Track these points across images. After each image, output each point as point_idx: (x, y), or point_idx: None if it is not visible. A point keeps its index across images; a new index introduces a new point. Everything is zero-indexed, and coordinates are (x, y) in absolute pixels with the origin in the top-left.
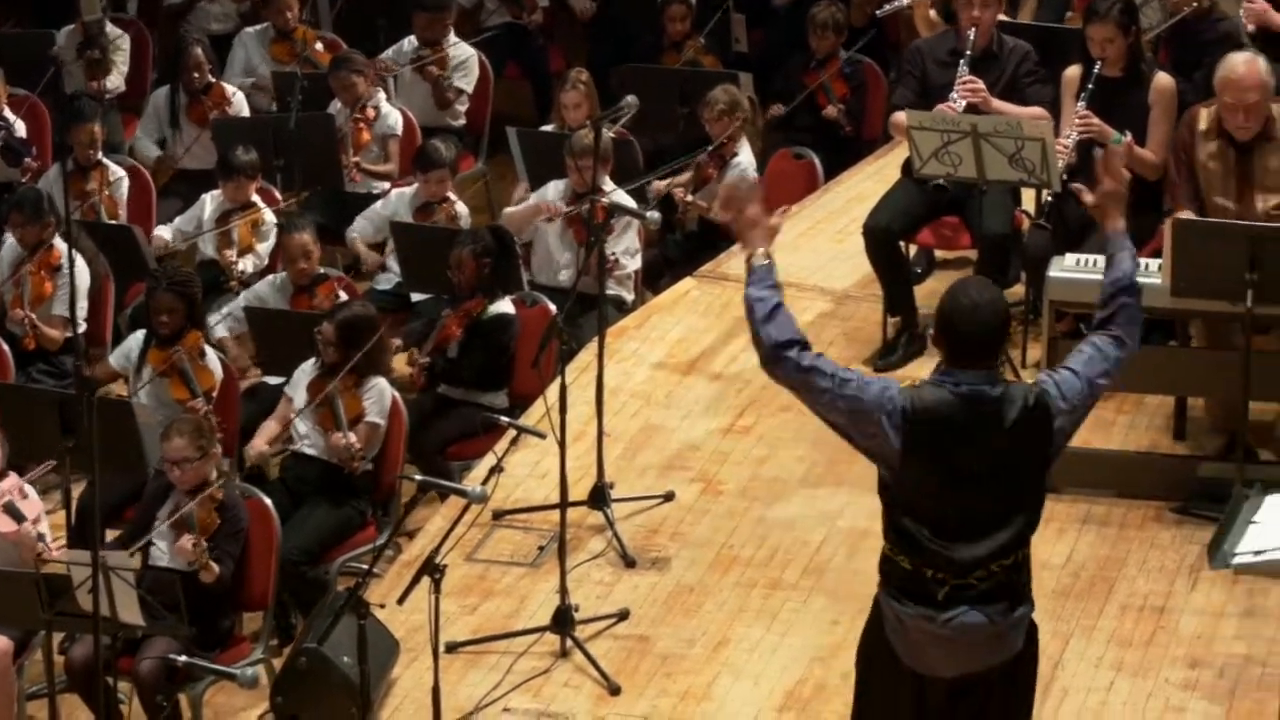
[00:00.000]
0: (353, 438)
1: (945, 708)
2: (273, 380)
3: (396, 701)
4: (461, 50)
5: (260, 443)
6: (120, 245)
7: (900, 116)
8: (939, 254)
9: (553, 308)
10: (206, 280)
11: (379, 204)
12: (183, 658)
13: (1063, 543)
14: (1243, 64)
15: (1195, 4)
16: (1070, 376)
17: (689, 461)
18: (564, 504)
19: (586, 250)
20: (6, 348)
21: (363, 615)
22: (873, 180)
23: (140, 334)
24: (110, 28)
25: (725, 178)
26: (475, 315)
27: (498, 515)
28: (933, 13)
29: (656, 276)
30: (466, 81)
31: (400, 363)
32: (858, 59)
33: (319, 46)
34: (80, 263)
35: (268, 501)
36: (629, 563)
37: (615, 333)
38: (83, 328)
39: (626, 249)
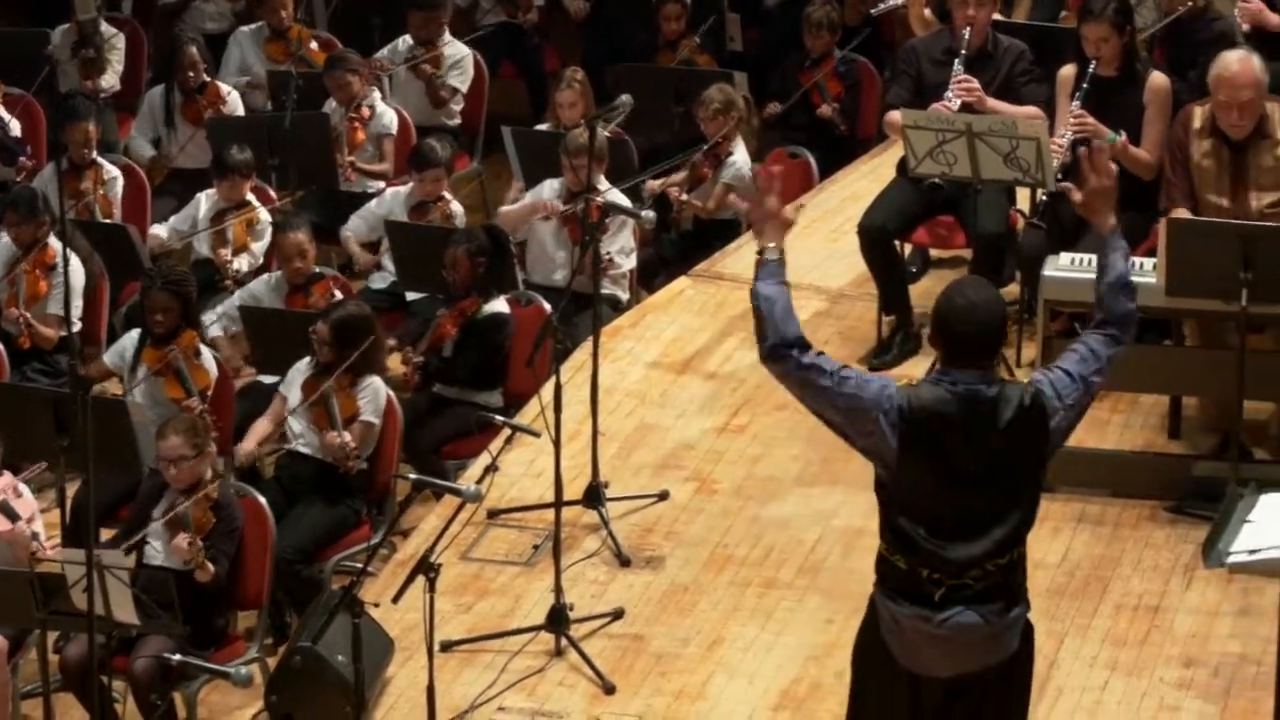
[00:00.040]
0: (348, 437)
1: (941, 708)
2: (267, 379)
3: (391, 700)
4: (456, 49)
5: (250, 443)
6: (115, 244)
7: (895, 115)
8: (934, 253)
9: (547, 307)
10: (201, 279)
11: (374, 203)
12: (177, 656)
13: (1058, 542)
14: (1237, 62)
15: (1190, 3)
16: (1064, 376)
17: (684, 460)
18: (559, 503)
19: (581, 249)
20: (1, 347)
21: (357, 614)
22: (868, 179)
23: (135, 333)
24: (105, 27)
25: (719, 177)
26: (470, 314)
27: (492, 514)
28: (927, 11)
29: (651, 276)
30: (461, 80)
31: (395, 362)
32: (853, 58)
33: (314, 46)
34: (75, 262)
35: (262, 500)
36: (624, 562)
37: (610, 332)
38: (77, 327)
39: (621, 248)
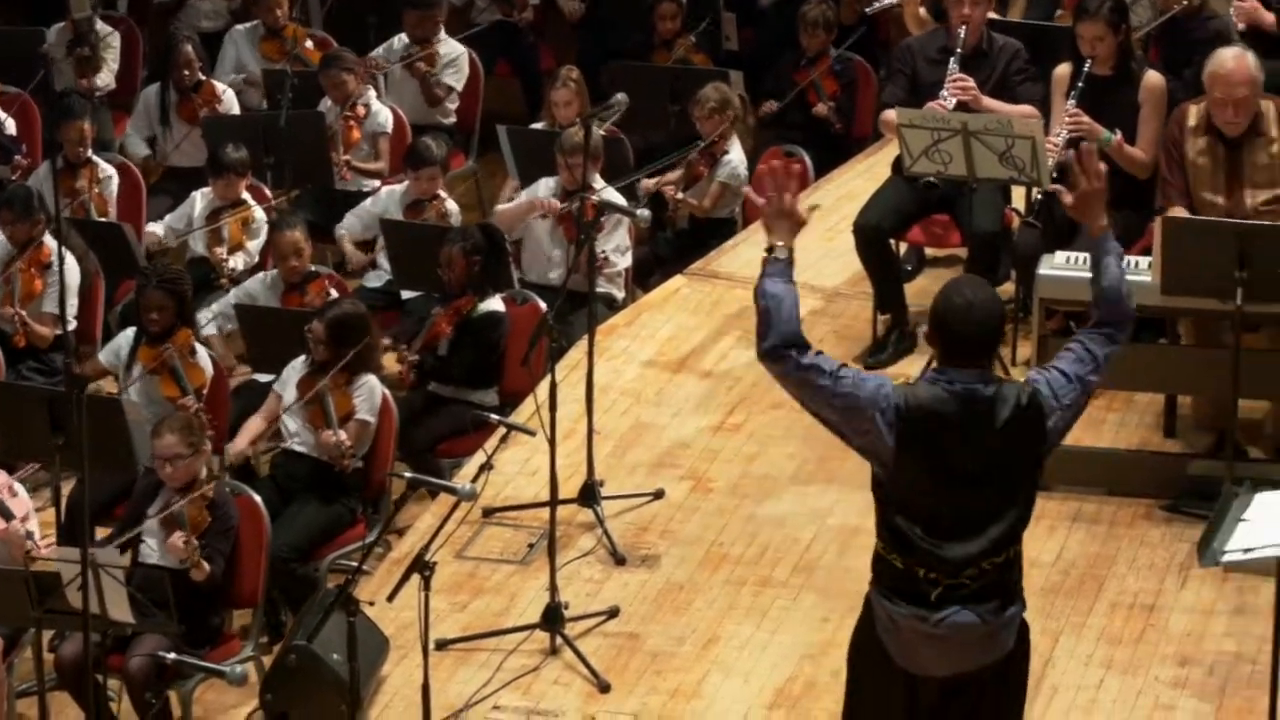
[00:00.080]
0: (343, 435)
1: (937, 707)
2: (263, 378)
3: (386, 699)
4: (451, 48)
5: (241, 442)
6: (110, 243)
7: (890, 114)
8: (929, 252)
9: (543, 305)
10: (197, 278)
11: (369, 201)
12: (172, 655)
13: (1053, 540)
14: (1232, 59)
15: (1185, 2)
16: (1060, 376)
17: (679, 459)
18: (554, 501)
19: (577, 248)
20: None
21: (352, 612)
22: (863, 178)
23: (130, 331)
24: (100, 25)
25: (715, 176)
26: (465, 313)
27: (488, 513)
28: (923, 10)
29: (647, 274)
30: (456, 79)
31: (390, 360)
32: (848, 57)
33: (309, 44)
34: (70, 260)
35: (257, 499)
36: (619, 560)
37: (605, 330)
38: (72, 325)
39: (617, 247)
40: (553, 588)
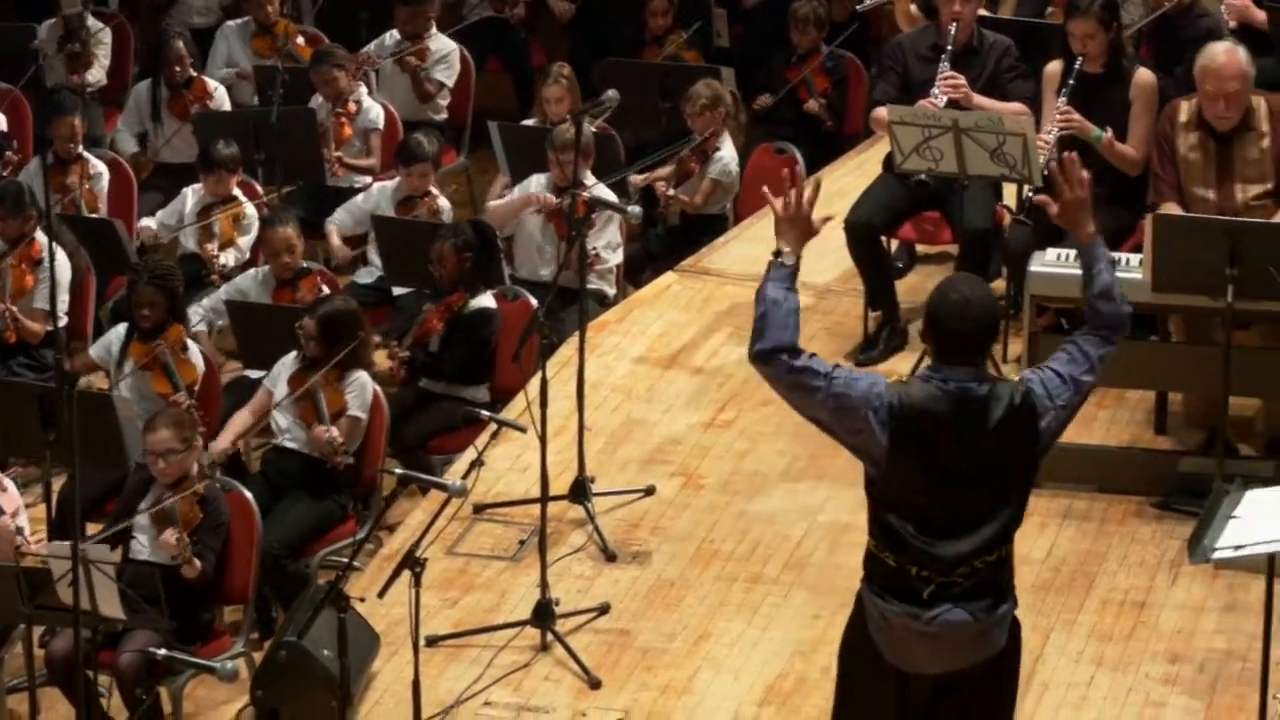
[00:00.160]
0: (334, 431)
1: (928, 705)
2: (254, 374)
3: (377, 695)
4: (443, 44)
5: (225, 439)
6: (101, 239)
7: (881, 112)
8: (920, 249)
9: (534, 302)
10: (188, 274)
11: (360, 197)
12: (163, 651)
13: (1043, 537)
14: (1223, 53)
15: None
16: (1054, 376)
17: (670, 456)
18: (545, 498)
19: (568, 244)
20: None
21: (343, 609)
22: (854, 175)
23: (121, 327)
24: (91, 21)
25: (706, 172)
26: (456, 309)
27: (478, 509)
28: (913, 8)
29: (638, 271)
30: (448, 75)
31: (381, 357)
32: (839, 54)
33: (300, 40)
34: (61, 256)
35: (248, 495)
36: (610, 557)
37: (596, 327)
38: (63, 321)
39: (608, 243)
40: (543, 584)
